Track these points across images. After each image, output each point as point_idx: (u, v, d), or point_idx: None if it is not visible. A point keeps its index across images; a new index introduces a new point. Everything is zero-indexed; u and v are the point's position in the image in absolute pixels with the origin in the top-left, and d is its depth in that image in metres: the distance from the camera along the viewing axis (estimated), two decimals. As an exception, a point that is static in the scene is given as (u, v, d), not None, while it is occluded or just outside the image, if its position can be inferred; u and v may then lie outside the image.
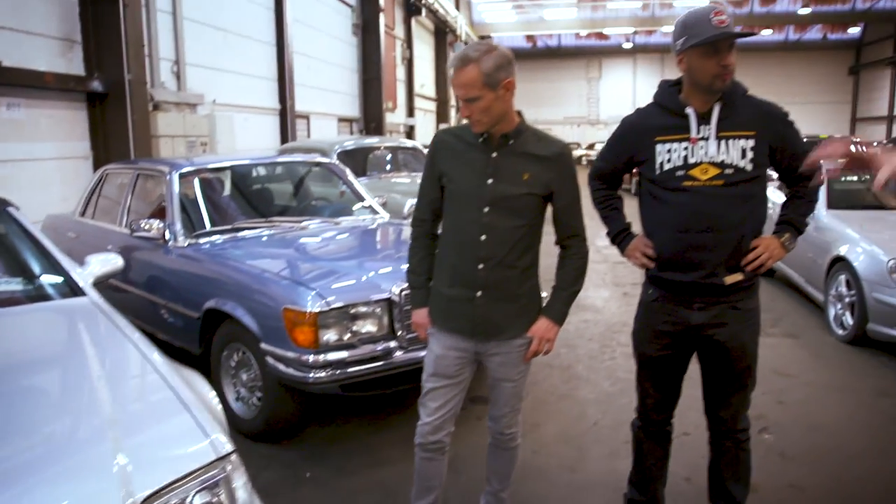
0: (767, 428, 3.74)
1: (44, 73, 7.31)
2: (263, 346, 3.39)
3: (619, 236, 2.53)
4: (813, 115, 34.63)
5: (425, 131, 24.40)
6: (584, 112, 41.42)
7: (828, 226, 5.95)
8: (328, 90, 15.89)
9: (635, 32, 35.24)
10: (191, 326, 3.98)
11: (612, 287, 7.22)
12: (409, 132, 22.38)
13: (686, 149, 2.26)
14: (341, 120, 17.13)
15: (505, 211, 2.25)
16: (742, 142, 2.22)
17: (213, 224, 4.46)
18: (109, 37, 7.94)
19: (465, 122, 2.30)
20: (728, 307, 2.32)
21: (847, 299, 5.30)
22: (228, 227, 4.41)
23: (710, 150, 2.23)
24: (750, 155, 2.22)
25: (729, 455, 2.53)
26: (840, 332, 5.38)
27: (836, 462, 3.40)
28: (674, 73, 2.34)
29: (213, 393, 2.24)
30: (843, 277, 5.39)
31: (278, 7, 12.85)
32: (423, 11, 22.28)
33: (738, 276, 2.28)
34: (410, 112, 22.66)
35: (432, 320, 2.42)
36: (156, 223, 4.23)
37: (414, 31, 22.34)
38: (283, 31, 12.75)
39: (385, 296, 3.39)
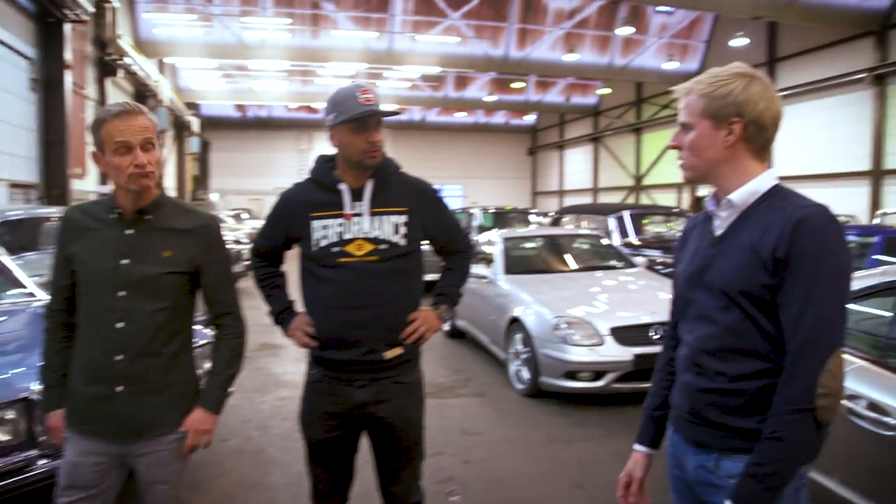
0: (454, 490, 3.87)
1: None
2: None
3: (282, 315, 2.45)
4: (500, 188, 39.14)
5: (123, 199, 22.43)
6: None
7: (505, 290, 6.57)
8: (-4, 151, 13.86)
9: (345, 108, 36.69)
10: None
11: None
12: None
13: (341, 225, 2.26)
14: (15, 186, 14.99)
15: (143, 294, 2.04)
16: (395, 217, 2.28)
17: None
18: None
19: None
20: (390, 382, 2.32)
21: (523, 356, 5.85)
22: None
23: (364, 226, 2.26)
24: (403, 230, 2.28)
25: None
26: (519, 386, 5.90)
27: (513, 513, 3.61)
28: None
29: None
30: (519, 336, 5.95)
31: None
32: (121, 72, 20.78)
33: (397, 351, 2.30)
34: (104, 179, 20.72)
35: (68, 423, 2.09)
36: None
37: (110, 92, 20.63)
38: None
39: (22, 395, 2.86)
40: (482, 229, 13.50)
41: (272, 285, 2.50)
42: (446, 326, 8.04)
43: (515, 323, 6.02)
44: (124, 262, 2.02)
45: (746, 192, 1.56)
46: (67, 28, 15.97)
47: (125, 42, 20.22)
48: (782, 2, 17.97)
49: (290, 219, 2.34)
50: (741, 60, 1.63)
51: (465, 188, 38.89)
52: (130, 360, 2.01)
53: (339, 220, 2.26)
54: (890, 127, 17.98)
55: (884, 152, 18.10)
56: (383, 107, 2.22)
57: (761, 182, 1.57)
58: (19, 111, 15.10)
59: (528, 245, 8.05)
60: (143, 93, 24.06)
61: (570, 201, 33.20)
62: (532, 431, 4.95)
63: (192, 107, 30.51)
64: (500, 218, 15.77)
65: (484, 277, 7.21)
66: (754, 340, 1.51)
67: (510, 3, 24.46)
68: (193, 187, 30.39)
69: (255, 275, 2.53)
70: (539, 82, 31.55)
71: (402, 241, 2.28)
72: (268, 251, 2.49)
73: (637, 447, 1.85)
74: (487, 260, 7.43)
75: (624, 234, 10.07)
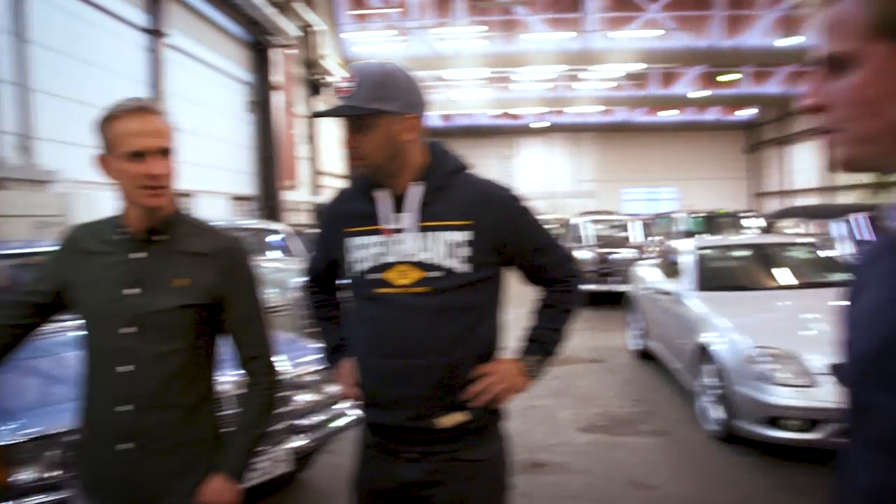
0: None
1: None
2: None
3: (333, 355, 1.94)
4: (714, 190, 36.05)
5: (332, 209, 23.86)
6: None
7: (694, 309, 5.58)
8: (218, 167, 15.20)
9: (546, 112, 36.26)
10: None
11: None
12: (315, 211, 21.80)
13: (380, 244, 1.71)
14: (235, 198, 16.40)
15: (153, 331, 1.64)
16: (452, 234, 1.68)
17: None
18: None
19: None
20: (448, 459, 1.70)
21: (715, 391, 4.85)
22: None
23: (408, 246, 1.68)
24: (465, 252, 1.67)
25: None
26: (709, 427, 4.91)
27: None
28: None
29: None
30: (709, 367, 4.96)
31: (154, 80, 12.22)
32: (327, 90, 22.11)
33: (457, 417, 1.69)
34: (316, 190, 22.14)
35: (78, 480, 1.75)
36: None
37: (319, 108, 22.08)
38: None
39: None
40: (687, 235, 12.10)
41: (323, 316, 2.01)
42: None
43: (705, 350, 5.04)
44: (131, 292, 1.64)
45: None
46: (276, 53, 17.17)
47: (330, 62, 21.43)
48: None
49: (328, 236, 1.86)
50: None
51: (678, 190, 36.56)
52: (139, 412, 1.63)
53: (378, 238, 1.71)
54: None
55: None
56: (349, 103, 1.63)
57: None
58: (238, 131, 16.52)
59: (727, 255, 6.91)
60: (350, 108, 25.44)
61: (793, 203, 29.72)
62: (720, 491, 4.01)
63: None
64: (710, 223, 14.25)
65: (668, 293, 6.26)
66: None
67: (717, -11, 22.43)
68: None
69: (306, 302, 2.07)
70: (756, 73, 28.62)
71: (463, 267, 1.67)
72: (319, 275, 1.99)
73: None
74: (674, 272, 6.46)
75: (856, 241, 8.38)
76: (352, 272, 1.75)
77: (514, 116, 35.83)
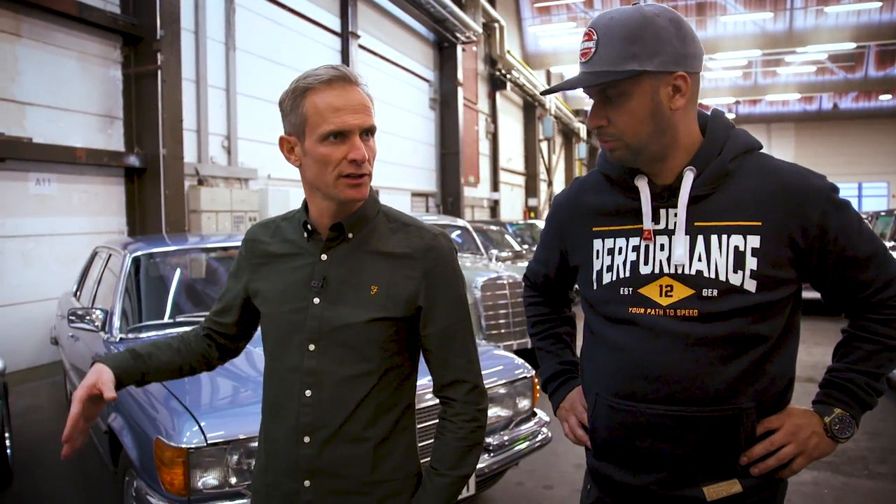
0: None
1: (75, 148, 7.15)
2: (137, 483, 2.61)
3: (554, 383, 1.57)
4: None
5: (511, 206, 23.71)
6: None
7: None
8: (400, 164, 15.55)
9: (737, 102, 33.69)
10: (103, 440, 3.30)
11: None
12: (494, 207, 21.74)
13: (638, 248, 1.31)
14: (416, 194, 16.72)
15: (340, 349, 1.37)
16: (737, 239, 1.23)
17: (157, 316, 3.80)
18: (149, 112, 7.81)
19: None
20: None
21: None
22: (169, 321, 3.72)
23: (677, 254, 1.26)
24: (752, 264, 1.22)
25: None
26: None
27: None
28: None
29: None
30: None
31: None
32: (509, 86, 21.97)
33: (732, 488, 1.25)
34: (495, 187, 22.10)
35: None
36: (97, 311, 3.64)
37: (500, 104, 21.99)
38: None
39: None
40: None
41: (545, 333, 1.63)
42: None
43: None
44: (316, 301, 1.39)
45: None
46: (459, 50, 17.28)
47: (513, 57, 21.27)
48: None
49: (566, 233, 1.47)
50: None
51: (890, 186, 32.37)
52: (322, 444, 1.37)
53: (636, 241, 1.32)
54: None
55: None
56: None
57: None
58: (420, 128, 16.81)
59: None
60: (532, 103, 25.18)
61: None
62: None
63: (579, 113, 30.99)
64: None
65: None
66: None
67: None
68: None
69: (526, 314, 1.70)
70: None
71: (750, 285, 1.23)
72: (541, 281, 1.63)
73: None
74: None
75: None
76: (596, 283, 1.37)
77: (704, 107, 33.65)
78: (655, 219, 1.29)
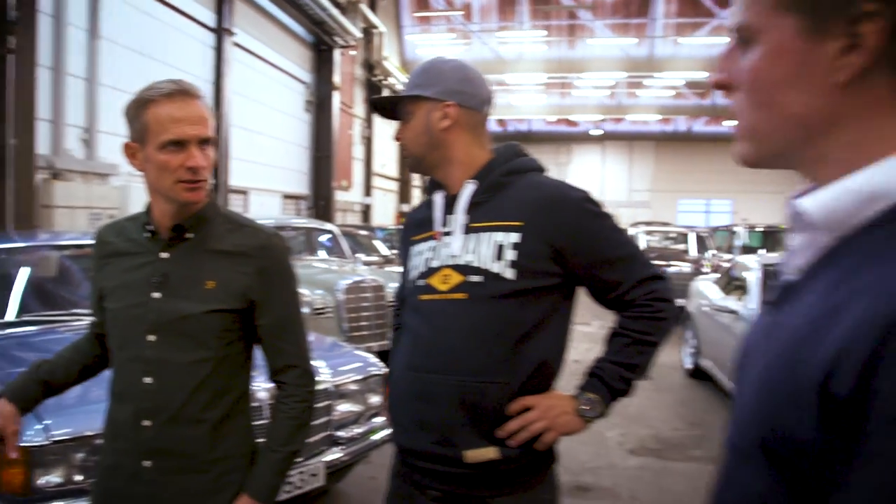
0: None
1: None
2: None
3: None
4: (779, 203, 34.82)
5: (384, 211, 23.90)
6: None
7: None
8: (272, 165, 15.36)
9: (603, 120, 35.75)
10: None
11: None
12: (366, 211, 21.85)
13: (434, 248, 1.57)
14: (287, 197, 16.54)
15: (179, 339, 1.50)
16: (499, 235, 1.49)
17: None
18: (-6, 100, 7.33)
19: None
20: (478, 503, 1.49)
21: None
22: (15, 319, 3.59)
23: (453, 248, 1.52)
24: (510, 255, 1.46)
25: None
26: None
27: None
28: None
29: None
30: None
31: (217, 78, 12.38)
32: (386, 91, 22.20)
33: (488, 453, 1.45)
34: (368, 191, 22.23)
35: (92, 499, 1.64)
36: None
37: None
38: (220, 102, 12.23)
39: None
40: (745, 250, 11.72)
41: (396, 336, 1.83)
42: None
43: (768, 376, 4.72)
44: (155, 295, 1.50)
45: (854, 192, 0.60)
46: (337, 54, 17.26)
47: (391, 63, 21.47)
48: None
49: (403, 250, 1.74)
50: None
51: (734, 203, 35.43)
52: (161, 426, 1.49)
53: (433, 243, 1.59)
54: None
55: None
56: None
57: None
58: (294, 130, 16.64)
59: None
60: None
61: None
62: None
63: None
64: (770, 238, 13.64)
65: (734, 312, 5.94)
66: None
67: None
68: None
69: (394, 324, 1.87)
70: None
71: (508, 273, 1.46)
72: (401, 293, 1.82)
73: None
74: (734, 288, 6.12)
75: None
76: (407, 282, 1.64)
77: (572, 123, 35.38)
78: (446, 223, 1.56)
